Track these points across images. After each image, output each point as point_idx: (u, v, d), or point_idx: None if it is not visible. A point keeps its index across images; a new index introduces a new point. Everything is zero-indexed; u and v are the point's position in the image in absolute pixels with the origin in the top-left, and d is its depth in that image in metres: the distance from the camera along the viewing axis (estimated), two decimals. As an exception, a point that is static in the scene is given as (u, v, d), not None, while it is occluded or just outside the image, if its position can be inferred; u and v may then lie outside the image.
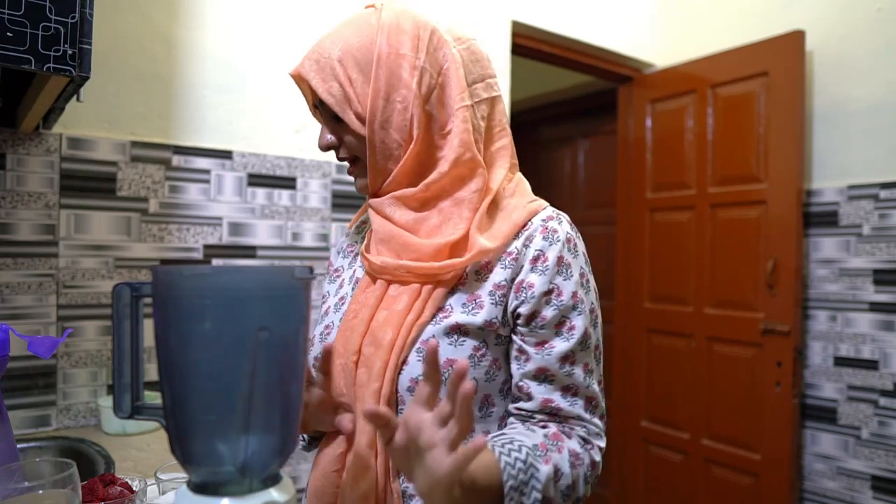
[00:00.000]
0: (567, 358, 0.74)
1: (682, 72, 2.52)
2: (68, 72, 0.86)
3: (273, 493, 0.52)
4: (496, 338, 0.75)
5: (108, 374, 1.47)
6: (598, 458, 0.75)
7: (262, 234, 1.70)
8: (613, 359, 2.77)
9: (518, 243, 0.76)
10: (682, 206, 2.51)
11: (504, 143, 0.84)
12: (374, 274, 0.80)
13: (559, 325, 0.74)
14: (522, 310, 0.74)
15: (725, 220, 2.36)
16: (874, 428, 2.03)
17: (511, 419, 0.77)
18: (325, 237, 1.81)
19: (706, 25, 2.55)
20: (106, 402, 1.39)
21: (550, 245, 0.75)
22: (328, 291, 0.90)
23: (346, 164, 0.84)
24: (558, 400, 0.74)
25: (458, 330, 0.73)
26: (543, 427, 0.74)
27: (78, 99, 1.04)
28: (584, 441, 0.74)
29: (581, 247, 0.79)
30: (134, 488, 0.83)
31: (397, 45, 0.76)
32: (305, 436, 0.87)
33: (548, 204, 0.83)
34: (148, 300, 0.54)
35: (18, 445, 0.87)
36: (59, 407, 1.42)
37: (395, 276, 0.77)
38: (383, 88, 0.75)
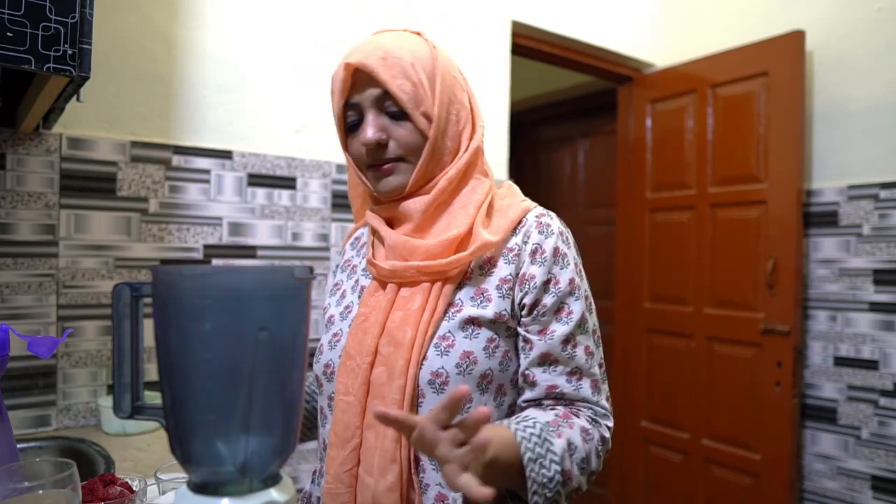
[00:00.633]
0: (568, 340, 0.80)
1: (682, 72, 2.52)
2: (68, 72, 0.86)
3: (273, 493, 0.52)
4: (506, 329, 0.80)
5: (108, 374, 1.47)
6: (607, 434, 0.81)
7: (262, 234, 1.70)
8: (613, 359, 2.77)
9: (517, 239, 0.82)
10: (682, 206, 2.51)
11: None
12: (383, 279, 0.83)
13: (558, 310, 0.80)
14: (526, 300, 0.79)
15: (725, 220, 2.36)
16: (874, 428, 2.03)
17: (526, 409, 0.81)
18: (325, 237, 1.81)
19: (706, 25, 2.55)
20: (106, 402, 1.39)
21: (546, 238, 0.81)
22: (329, 303, 0.94)
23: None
24: (563, 384, 0.79)
25: (472, 322, 0.78)
26: (552, 409, 0.79)
27: (78, 99, 1.04)
28: (592, 420, 0.80)
29: (572, 239, 0.86)
30: (134, 488, 0.83)
31: (450, 67, 0.85)
32: None
33: (537, 204, 0.90)
34: (148, 300, 0.54)
35: (18, 445, 0.87)
36: (59, 407, 1.42)
37: (405, 278, 0.81)
38: (447, 99, 0.82)
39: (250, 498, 0.51)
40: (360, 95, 0.81)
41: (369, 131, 0.80)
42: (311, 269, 0.55)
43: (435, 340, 0.77)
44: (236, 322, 0.50)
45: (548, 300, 0.79)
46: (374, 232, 0.87)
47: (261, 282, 0.53)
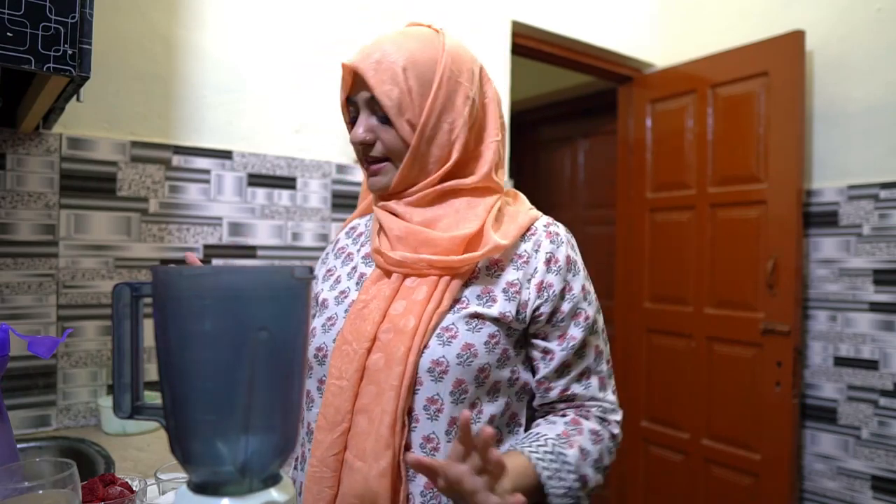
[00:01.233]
0: (584, 344, 0.85)
1: (682, 72, 2.52)
2: (68, 72, 0.86)
3: (273, 493, 0.52)
4: (508, 329, 0.82)
5: (108, 374, 1.47)
6: (616, 430, 0.86)
7: (262, 234, 1.70)
8: (614, 359, 2.75)
9: (527, 246, 0.85)
10: (682, 206, 2.51)
11: (503, 170, 0.94)
12: (389, 268, 0.84)
13: (575, 315, 0.84)
14: (545, 308, 0.82)
15: (725, 220, 2.36)
16: (874, 428, 2.03)
17: (536, 421, 0.87)
18: (325, 237, 1.81)
19: (706, 25, 2.55)
20: (106, 402, 1.39)
21: (558, 247, 0.85)
22: (321, 288, 0.94)
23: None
24: (574, 387, 0.85)
25: (477, 317, 0.80)
26: (563, 416, 0.84)
27: (78, 99, 1.04)
28: (601, 419, 0.85)
29: (576, 245, 0.90)
30: (134, 488, 0.83)
31: (458, 72, 0.84)
32: None
33: (541, 212, 0.93)
34: (148, 300, 0.54)
35: (18, 445, 0.87)
36: (59, 407, 1.42)
37: (414, 270, 0.82)
38: (439, 107, 0.82)
39: (250, 498, 0.51)
40: (357, 95, 0.84)
41: (358, 130, 0.84)
42: (311, 269, 0.55)
43: (438, 331, 0.79)
44: (236, 322, 0.50)
45: (565, 307, 0.83)
46: (381, 223, 0.88)
47: (261, 282, 0.53)
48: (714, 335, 2.39)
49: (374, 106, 0.82)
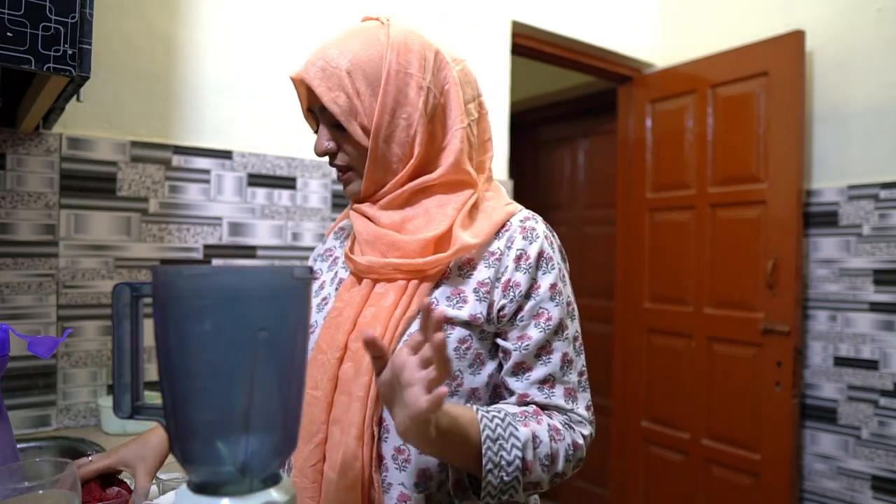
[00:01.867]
0: (543, 348, 0.78)
1: (682, 72, 2.52)
2: (68, 72, 0.86)
3: (273, 493, 0.52)
4: (480, 332, 0.78)
5: (108, 374, 1.47)
6: (580, 441, 0.78)
7: (262, 234, 1.70)
8: (613, 359, 2.77)
9: (500, 243, 0.80)
10: (682, 206, 2.51)
11: (489, 154, 0.90)
12: (359, 274, 0.82)
13: (537, 315, 0.78)
14: (509, 309, 0.78)
15: (725, 220, 2.36)
16: (874, 428, 2.03)
17: None
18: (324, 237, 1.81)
19: (706, 25, 2.55)
20: (106, 402, 1.39)
21: (531, 243, 0.79)
22: None
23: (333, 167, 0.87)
24: (534, 393, 0.78)
25: (445, 322, 0.76)
26: (523, 407, 0.78)
27: (78, 99, 1.04)
28: (567, 425, 0.78)
29: (557, 243, 0.84)
30: (132, 488, 0.83)
31: (406, 63, 0.79)
32: None
33: (522, 207, 0.87)
34: (148, 300, 0.54)
35: (18, 445, 0.87)
36: (59, 407, 1.42)
37: (382, 275, 0.80)
38: (390, 105, 0.78)
39: (250, 498, 0.51)
40: (312, 104, 0.83)
41: (318, 142, 0.82)
42: (310, 270, 0.55)
43: (405, 337, 0.76)
44: (236, 322, 0.50)
45: (527, 305, 0.78)
46: (354, 226, 0.87)
47: (261, 282, 0.53)
48: (714, 335, 2.39)
49: (328, 115, 0.81)
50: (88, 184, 1.45)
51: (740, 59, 2.30)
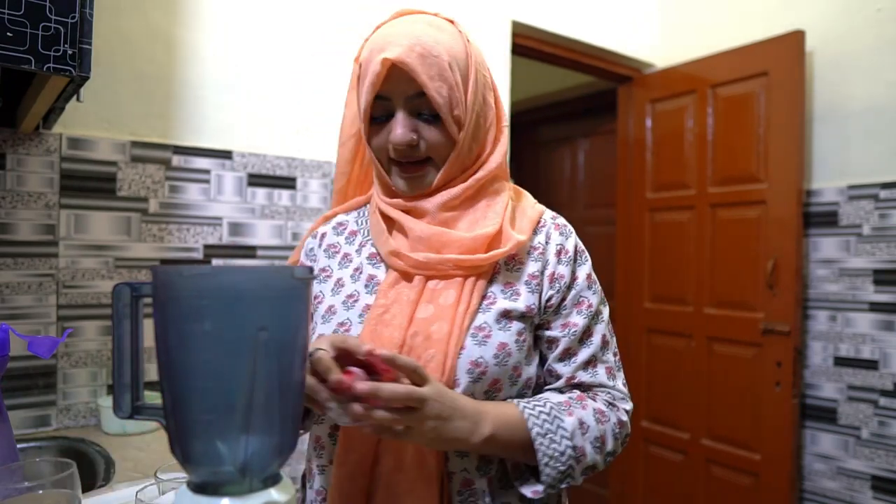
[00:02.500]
0: (586, 333, 0.84)
1: (682, 72, 2.52)
2: (68, 72, 0.86)
3: (273, 493, 0.52)
4: (531, 324, 0.82)
5: (108, 374, 1.47)
6: (625, 418, 0.83)
7: (262, 234, 1.70)
8: (613, 359, 2.77)
9: (540, 238, 0.86)
10: (682, 206, 2.51)
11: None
12: (411, 270, 0.81)
13: (578, 304, 0.84)
14: (555, 299, 0.83)
15: (725, 220, 2.36)
16: (874, 428, 2.03)
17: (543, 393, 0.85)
18: (325, 237, 1.81)
19: (706, 25, 2.55)
20: (106, 402, 1.39)
21: (567, 238, 0.87)
22: (321, 292, 0.89)
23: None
24: (580, 375, 0.83)
25: (506, 315, 0.79)
26: (567, 394, 0.82)
27: (78, 99, 1.04)
28: (609, 404, 0.82)
29: None
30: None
31: (481, 61, 0.83)
32: None
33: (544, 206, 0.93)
34: (148, 300, 0.54)
35: (18, 445, 0.87)
36: (59, 407, 1.42)
37: (438, 271, 0.80)
38: (478, 100, 0.81)
39: (250, 498, 0.51)
40: (394, 91, 0.78)
41: (400, 132, 0.78)
42: (311, 270, 0.55)
43: (471, 330, 0.77)
44: (236, 322, 0.50)
45: (570, 295, 0.84)
46: (389, 221, 0.85)
47: (261, 282, 0.53)
48: (714, 335, 2.39)
49: (418, 103, 0.78)
50: (88, 184, 1.45)
51: (740, 59, 2.30)
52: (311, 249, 0.94)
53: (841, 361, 2.13)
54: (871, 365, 2.05)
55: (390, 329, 0.78)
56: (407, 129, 0.78)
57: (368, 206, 0.95)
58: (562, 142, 3.47)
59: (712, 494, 2.36)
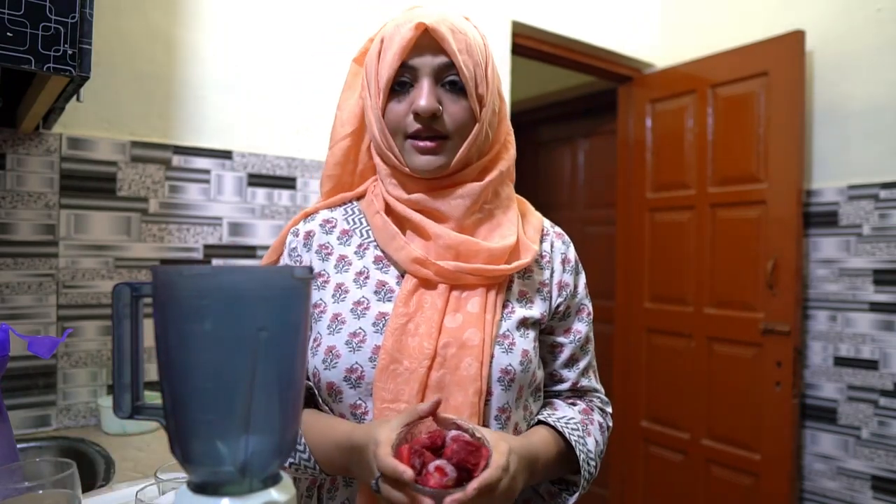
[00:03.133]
0: (587, 340, 0.89)
1: (682, 72, 2.52)
2: (68, 72, 0.86)
3: (273, 493, 0.52)
4: (540, 329, 0.85)
5: (108, 374, 1.47)
6: (610, 422, 0.91)
7: (262, 234, 1.70)
8: (613, 359, 2.77)
9: (545, 246, 0.88)
10: (682, 206, 2.51)
11: None
12: (436, 279, 0.78)
13: (580, 311, 0.89)
14: (563, 306, 0.86)
15: (725, 220, 2.36)
16: (874, 428, 2.03)
17: (552, 402, 0.89)
18: (325, 237, 1.81)
19: (706, 25, 2.55)
20: (106, 402, 1.39)
21: (568, 247, 0.90)
22: (321, 299, 0.83)
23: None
24: (582, 380, 0.89)
25: (524, 323, 0.81)
26: (573, 404, 0.88)
27: (78, 99, 1.04)
28: (602, 411, 0.90)
29: None
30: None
31: (493, 54, 0.84)
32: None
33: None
34: (148, 300, 0.54)
35: (18, 445, 0.87)
36: (59, 407, 1.42)
37: (461, 280, 0.79)
38: (495, 89, 0.82)
39: (250, 498, 0.51)
40: (421, 59, 0.76)
41: (427, 100, 0.75)
42: (310, 269, 0.55)
43: (497, 339, 0.78)
44: (236, 322, 0.50)
45: (574, 302, 0.88)
46: (401, 222, 0.82)
47: (261, 282, 0.53)
48: (714, 335, 2.39)
49: (446, 73, 0.76)
50: (88, 184, 1.45)
51: (740, 59, 2.30)
52: (295, 249, 0.88)
53: (841, 361, 2.13)
54: (871, 365, 2.05)
55: (417, 339, 0.75)
56: (433, 97, 0.76)
57: (357, 203, 0.91)
58: (562, 142, 3.47)
59: (712, 494, 2.36)
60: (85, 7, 0.87)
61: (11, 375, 1.35)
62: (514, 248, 0.82)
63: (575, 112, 3.33)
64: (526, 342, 0.80)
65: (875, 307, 2.05)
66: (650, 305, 2.66)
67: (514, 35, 2.27)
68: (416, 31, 0.75)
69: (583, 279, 0.91)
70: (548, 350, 0.87)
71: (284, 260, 0.89)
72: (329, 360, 0.77)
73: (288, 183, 1.74)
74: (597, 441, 0.84)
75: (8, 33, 0.81)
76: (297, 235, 0.89)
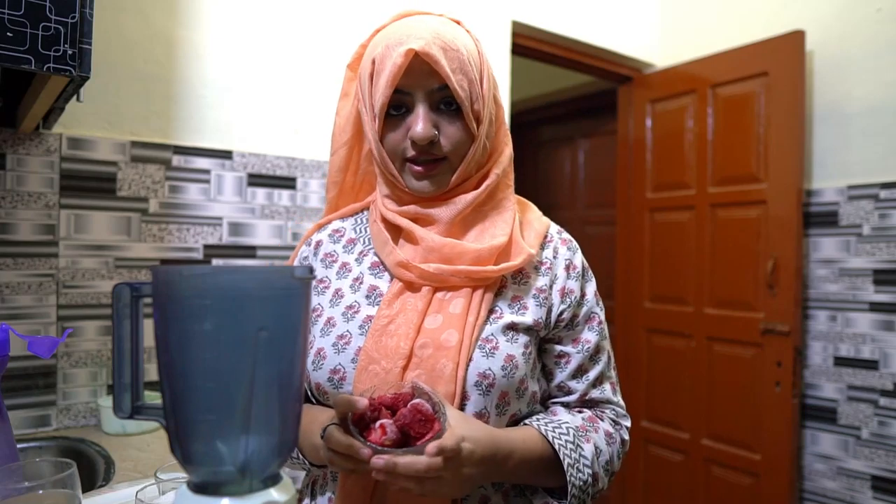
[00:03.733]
0: (598, 350, 0.85)
1: (682, 72, 2.52)
2: (68, 72, 0.86)
3: (273, 493, 0.52)
4: (535, 337, 0.81)
5: (108, 374, 1.47)
6: (626, 437, 0.86)
7: (262, 234, 1.70)
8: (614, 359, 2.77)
9: (548, 253, 0.85)
10: (682, 206, 2.51)
11: None
12: (420, 281, 0.79)
13: (589, 320, 0.85)
14: (567, 314, 0.83)
15: (725, 220, 2.36)
16: (874, 428, 2.03)
17: (553, 408, 0.86)
18: (325, 237, 1.81)
19: (706, 25, 2.55)
20: (106, 402, 1.39)
21: (574, 254, 0.87)
22: (319, 304, 0.85)
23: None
24: (591, 392, 0.84)
25: (513, 328, 0.79)
26: (579, 412, 0.84)
27: (78, 99, 1.04)
28: (615, 423, 0.85)
29: None
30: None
31: (489, 64, 0.83)
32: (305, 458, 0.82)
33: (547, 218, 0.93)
34: (148, 300, 0.54)
35: (18, 445, 0.87)
36: (59, 407, 1.42)
37: (446, 282, 0.78)
38: (491, 99, 0.81)
39: (250, 498, 0.51)
40: (415, 84, 0.75)
41: (422, 126, 0.75)
42: (311, 269, 0.55)
43: (479, 342, 0.76)
44: (236, 322, 0.50)
45: (582, 312, 0.84)
46: (394, 230, 0.83)
47: (261, 282, 0.53)
48: (714, 335, 2.39)
49: (440, 96, 0.76)
50: (88, 184, 1.45)
51: (740, 59, 2.30)
52: (306, 258, 0.91)
53: (841, 361, 2.13)
54: (871, 365, 2.05)
55: (395, 339, 0.75)
56: (429, 123, 0.75)
57: (367, 212, 0.93)
58: (562, 142, 3.47)
59: (712, 494, 2.36)
60: (85, 7, 0.87)
61: (11, 375, 1.35)
62: (505, 249, 0.80)
63: (575, 112, 3.33)
64: (513, 348, 0.76)
65: (875, 307, 2.05)
66: (650, 305, 2.66)
67: (514, 35, 2.27)
68: (406, 57, 0.73)
69: (592, 286, 0.86)
70: (554, 360, 0.84)
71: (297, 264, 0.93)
72: (316, 362, 0.80)
73: (288, 183, 1.74)
74: (598, 448, 0.79)
75: (8, 33, 0.81)
76: (310, 245, 0.92)
